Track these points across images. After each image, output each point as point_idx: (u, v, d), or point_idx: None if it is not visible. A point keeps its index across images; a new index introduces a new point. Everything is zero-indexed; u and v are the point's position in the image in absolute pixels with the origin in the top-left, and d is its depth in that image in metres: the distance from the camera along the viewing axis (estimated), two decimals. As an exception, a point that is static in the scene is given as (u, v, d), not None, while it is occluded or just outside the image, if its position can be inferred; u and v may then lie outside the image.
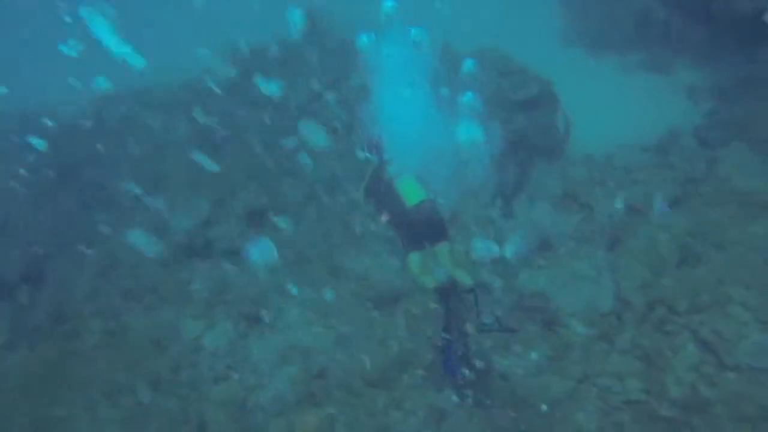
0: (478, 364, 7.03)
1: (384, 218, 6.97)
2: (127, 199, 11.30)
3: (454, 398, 7.33)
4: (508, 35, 11.39)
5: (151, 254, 10.15)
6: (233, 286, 9.96)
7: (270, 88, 11.58)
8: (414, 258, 6.94)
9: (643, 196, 8.78)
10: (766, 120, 9.27)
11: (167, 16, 20.32)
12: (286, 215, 10.27)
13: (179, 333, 9.59)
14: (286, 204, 10.50)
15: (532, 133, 9.71)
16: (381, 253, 9.25)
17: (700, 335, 7.56)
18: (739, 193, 8.61)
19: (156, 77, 13.58)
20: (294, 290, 9.38)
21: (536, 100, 9.98)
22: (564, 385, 7.56)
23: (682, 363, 7.49)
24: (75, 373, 9.47)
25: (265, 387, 8.54)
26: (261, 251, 9.62)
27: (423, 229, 6.83)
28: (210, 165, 9.97)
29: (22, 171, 12.35)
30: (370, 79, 8.00)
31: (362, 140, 7.60)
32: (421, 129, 7.69)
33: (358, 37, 7.93)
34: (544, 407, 7.43)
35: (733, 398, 7.05)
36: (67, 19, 10.63)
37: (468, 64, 9.04)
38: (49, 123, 13.52)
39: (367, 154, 7.48)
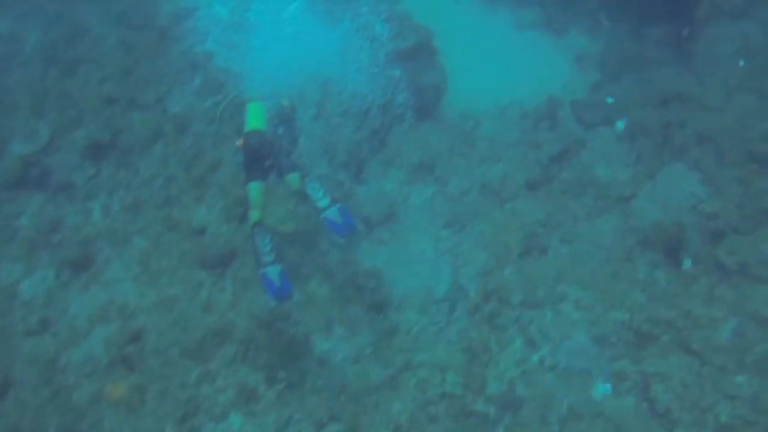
0: None
1: (239, 142, 6.49)
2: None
3: None
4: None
5: None
6: (64, 226, 9.14)
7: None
8: (253, 187, 6.53)
9: (501, 177, 8.32)
10: (634, 106, 8.85)
11: None
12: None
13: (-4, 275, 8.81)
14: (131, 140, 9.53)
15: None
16: (219, 205, 8.56)
17: (529, 332, 7.41)
18: (597, 184, 8.29)
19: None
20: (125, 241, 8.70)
21: (411, 53, 9.17)
22: (384, 373, 7.28)
23: (505, 359, 7.34)
24: None
25: (79, 345, 7.98)
26: None
27: (255, 159, 6.41)
28: None
29: None
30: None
31: None
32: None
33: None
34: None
35: (545, 398, 6.98)
36: None
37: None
38: None
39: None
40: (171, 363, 7.58)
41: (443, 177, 8.48)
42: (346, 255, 8.01)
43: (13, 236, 9.10)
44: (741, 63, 8.86)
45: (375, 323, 7.53)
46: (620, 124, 8.84)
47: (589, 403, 6.91)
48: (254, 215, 6.47)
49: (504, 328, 7.45)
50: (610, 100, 9.14)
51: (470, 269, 7.80)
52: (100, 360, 7.79)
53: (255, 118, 6.47)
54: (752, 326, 7.07)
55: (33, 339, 8.10)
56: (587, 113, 9.17)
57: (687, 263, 7.62)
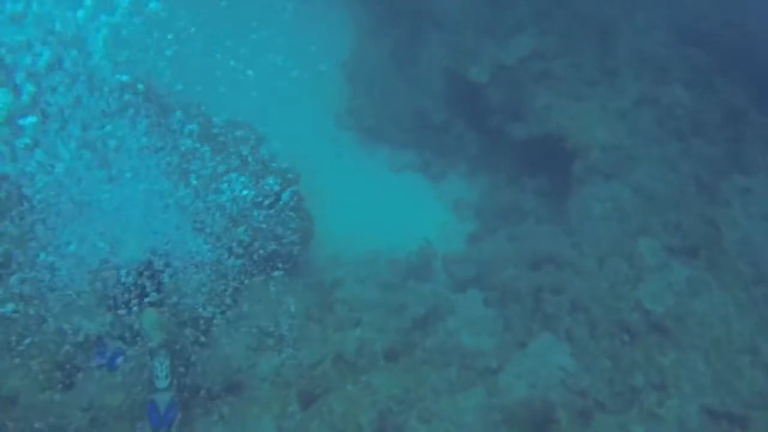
0: None
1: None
2: None
3: None
4: (278, 113, 9.87)
5: None
6: None
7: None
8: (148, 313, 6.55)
9: (358, 345, 7.57)
10: (507, 266, 8.45)
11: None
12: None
13: None
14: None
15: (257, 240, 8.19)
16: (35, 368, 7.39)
17: None
18: (463, 353, 7.64)
19: None
20: None
21: (273, 201, 8.50)
22: None
23: None
24: None
25: None
26: None
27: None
28: None
29: None
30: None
31: None
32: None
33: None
34: None
35: None
36: None
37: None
38: None
39: None
40: None
41: (295, 344, 7.64)
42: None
43: None
44: None
45: None
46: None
47: None
48: (157, 337, 6.42)
49: None
50: None
51: (314, 456, 6.87)
52: None
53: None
54: None
55: None
56: (457, 270, 8.69)
57: None
